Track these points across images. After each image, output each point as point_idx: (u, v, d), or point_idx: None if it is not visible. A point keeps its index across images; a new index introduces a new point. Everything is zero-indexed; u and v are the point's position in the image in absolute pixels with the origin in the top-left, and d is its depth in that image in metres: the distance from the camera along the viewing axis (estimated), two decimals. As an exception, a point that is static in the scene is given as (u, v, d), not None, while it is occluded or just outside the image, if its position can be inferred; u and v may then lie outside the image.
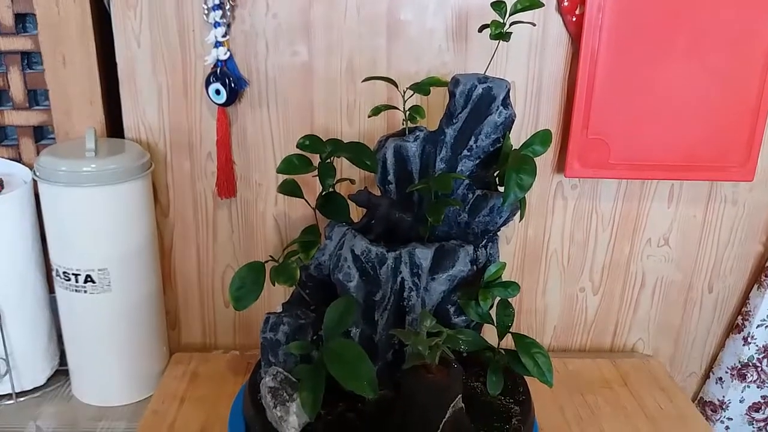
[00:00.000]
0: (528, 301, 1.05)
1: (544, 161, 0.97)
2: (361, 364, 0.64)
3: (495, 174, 0.79)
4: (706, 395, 1.10)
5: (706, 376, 1.11)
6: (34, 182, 0.85)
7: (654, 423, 0.90)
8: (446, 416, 0.65)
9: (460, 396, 0.66)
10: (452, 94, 0.76)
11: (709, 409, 1.09)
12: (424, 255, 0.73)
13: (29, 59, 0.93)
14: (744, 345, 1.04)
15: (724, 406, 1.07)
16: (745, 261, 1.05)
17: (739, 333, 1.05)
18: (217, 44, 0.88)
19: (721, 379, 1.07)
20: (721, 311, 1.08)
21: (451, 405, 0.65)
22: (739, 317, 1.05)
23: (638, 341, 1.09)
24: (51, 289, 0.92)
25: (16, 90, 0.92)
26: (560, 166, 0.96)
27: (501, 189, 0.75)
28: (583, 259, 1.03)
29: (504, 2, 0.75)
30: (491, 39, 0.75)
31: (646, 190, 0.99)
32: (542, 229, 1.01)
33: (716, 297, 1.07)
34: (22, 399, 0.92)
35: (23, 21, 0.91)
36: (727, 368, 1.06)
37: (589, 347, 1.09)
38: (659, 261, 1.04)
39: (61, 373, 0.96)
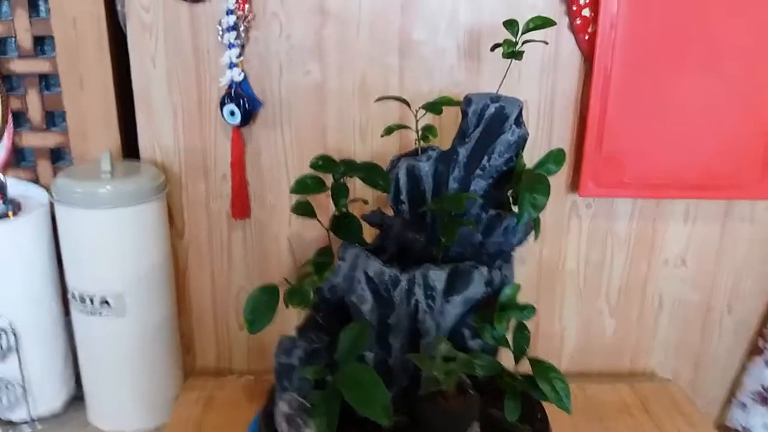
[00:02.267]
0: (544, 324, 1.04)
1: (558, 181, 0.96)
2: (375, 389, 0.63)
3: (509, 194, 0.79)
4: (729, 421, 1.07)
5: (729, 401, 1.09)
6: (51, 204, 0.86)
7: (676, 450, 0.88)
8: (462, 442, 0.64)
9: (476, 423, 0.65)
10: (465, 114, 0.76)
11: (732, 434, 1.06)
12: (438, 277, 0.73)
13: (47, 81, 0.94)
14: (767, 368, 1.01)
15: (747, 432, 1.05)
16: (765, 281, 1.03)
17: (761, 356, 1.02)
18: (232, 65, 0.89)
19: (744, 404, 1.05)
20: (741, 333, 1.06)
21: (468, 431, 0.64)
22: (761, 340, 1.03)
23: (657, 364, 1.07)
24: (67, 314, 0.92)
25: (34, 112, 0.94)
26: (574, 185, 0.96)
27: (515, 209, 0.75)
28: (599, 280, 1.02)
29: (516, 21, 0.75)
30: (504, 58, 0.75)
31: (661, 209, 0.98)
32: (557, 249, 1.00)
33: (736, 319, 1.05)
34: (39, 426, 0.92)
35: (41, 44, 0.92)
36: (750, 393, 1.04)
37: (608, 371, 1.07)
38: (676, 282, 1.02)
39: (76, 399, 0.96)
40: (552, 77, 0.92)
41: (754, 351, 1.04)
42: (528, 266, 1.00)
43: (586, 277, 1.01)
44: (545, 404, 0.75)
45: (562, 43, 0.91)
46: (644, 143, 0.91)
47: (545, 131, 0.94)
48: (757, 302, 1.04)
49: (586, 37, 0.90)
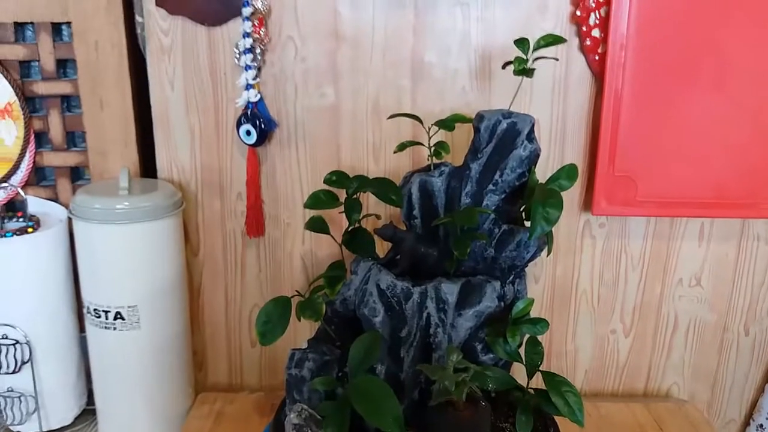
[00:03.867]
0: (558, 344, 1.03)
1: (571, 200, 0.96)
2: (386, 400, 0.63)
3: (521, 209, 0.79)
4: (747, 443, 1.05)
5: (746, 424, 1.07)
6: (69, 221, 0.88)
7: (692, 470, 0.86)
8: (474, 454, 0.63)
9: (488, 434, 0.65)
10: (477, 130, 0.77)
11: (751, 458, 1.04)
12: (450, 290, 0.73)
13: (68, 102, 0.97)
14: (785, 389, 1.00)
15: (766, 455, 1.02)
16: (782, 302, 1.02)
17: (780, 377, 1.01)
18: (248, 87, 0.91)
19: (762, 426, 1.03)
20: (759, 355, 1.04)
21: (479, 443, 0.64)
22: (779, 360, 1.02)
23: (673, 386, 1.06)
24: (82, 329, 0.94)
25: (55, 132, 0.96)
26: (587, 204, 0.96)
27: (527, 224, 0.75)
28: (613, 299, 1.01)
29: (527, 39, 0.76)
30: (514, 75, 0.76)
31: (675, 228, 0.98)
32: (571, 268, 1.00)
33: (753, 339, 1.03)
34: (49, 438, 0.93)
35: (64, 66, 0.95)
36: (768, 414, 1.02)
37: (622, 392, 1.06)
38: (692, 302, 1.01)
39: (88, 413, 0.97)
40: (563, 97, 0.93)
41: (773, 373, 1.03)
42: (541, 285, 1.00)
43: (600, 297, 1.01)
44: (558, 421, 0.74)
45: (572, 63, 0.92)
46: (656, 162, 0.92)
47: (557, 151, 0.95)
48: (774, 323, 1.03)
49: (597, 58, 0.91)
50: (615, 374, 1.05)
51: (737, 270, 1.00)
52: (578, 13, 0.89)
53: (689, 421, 0.97)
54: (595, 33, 0.90)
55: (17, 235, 0.87)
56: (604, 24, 0.89)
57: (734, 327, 1.03)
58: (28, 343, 0.87)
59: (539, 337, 0.76)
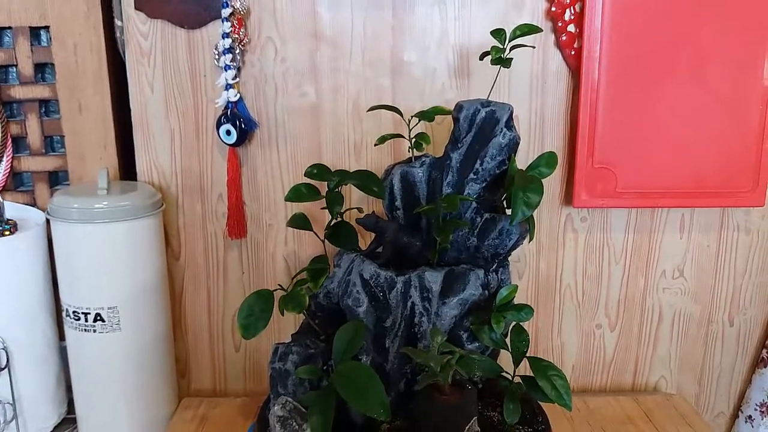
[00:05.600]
0: (543, 340, 1.03)
1: (552, 194, 0.97)
2: (372, 385, 0.62)
3: (503, 198, 0.79)
4: (736, 436, 1.05)
5: (735, 416, 1.07)
6: (47, 224, 0.86)
7: (683, 459, 0.86)
8: (462, 439, 0.62)
9: (475, 419, 0.64)
10: (456, 120, 0.77)
11: (741, 450, 1.04)
12: (434, 278, 0.73)
13: (47, 107, 0.96)
14: (771, 379, 1.00)
15: (756, 447, 1.02)
16: (764, 291, 1.02)
17: (765, 367, 1.01)
18: (228, 86, 0.91)
19: (750, 417, 1.02)
20: (744, 345, 1.05)
21: (467, 428, 0.63)
22: (764, 350, 1.02)
23: (660, 379, 1.05)
24: (61, 338, 0.92)
25: (33, 137, 0.95)
26: (568, 198, 0.96)
27: (509, 212, 0.75)
28: (597, 293, 1.01)
29: (504, 29, 0.77)
30: (492, 64, 0.77)
31: (657, 219, 0.99)
32: (554, 263, 1.00)
33: (738, 330, 1.04)
34: (27, 447, 0.90)
35: (42, 71, 0.95)
36: (756, 405, 1.02)
37: (610, 387, 1.05)
38: (675, 294, 1.02)
39: (68, 421, 0.94)
40: (541, 93, 0.94)
41: (759, 362, 1.03)
42: (525, 281, 1.00)
43: (584, 291, 1.01)
44: (546, 410, 0.74)
45: (549, 59, 0.93)
46: (635, 153, 0.92)
47: (537, 146, 0.96)
48: (758, 312, 1.03)
49: (572, 52, 0.92)
50: (602, 369, 1.04)
51: (719, 260, 1.01)
52: (553, 9, 0.90)
53: (679, 412, 0.96)
54: (571, 28, 0.91)
55: (-7, 238, 0.86)
56: (579, 19, 0.90)
57: (718, 318, 1.03)
58: (5, 348, 0.85)
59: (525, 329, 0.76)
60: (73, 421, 0.92)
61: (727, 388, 1.06)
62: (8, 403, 0.87)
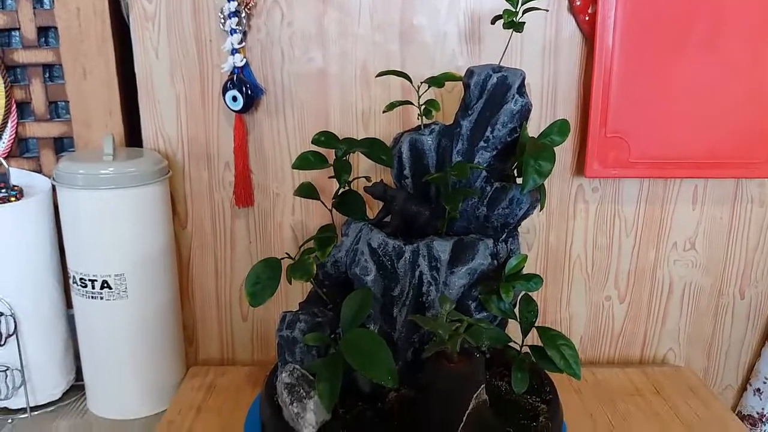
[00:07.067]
0: (552, 311, 1.02)
1: (564, 164, 0.95)
2: (380, 352, 0.62)
3: (513, 167, 0.78)
4: (744, 408, 1.04)
5: (743, 389, 1.06)
6: (53, 190, 0.86)
7: (691, 431, 0.85)
8: (469, 407, 0.62)
9: (483, 387, 0.64)
10: (467, 86, 0.76)
11: (748, 423, 1.03)
12: (443, 247, 0.72)
13: (51, 72, 0.95)
14: (781, 352, 0.99)
15: (764, 419, 1.02)
16: (777, 264, 1.01)
17: (776, 340, 1.00)
18: (234, 51, 0.89)
19: (759, 390, 1.02)
20: (755, 319, 1.04)
21: (475, 396, 0.62)
22: (775, 323, 1.01)
23: (669, 352, 1.05)
24: (69, 305, 0.92)
25: (38, 102, 0.94)
26: (580, 168, 0.95)
27: (519, 181, 0.74)
28: (607, 265, 1.00)
29: (516, -8, 0.75)
30: (504, 28, 0.75)
31: (669, 191, 0.97)
32: (564, 234, 0.99)
33: (749, 303, 1.03)
34: (36, 413, 0.90)
35: (45, 35, 0.93)
36: (766, 378, 1.01)
37: (618, 359, 1.05)
38: (686, 266, 1.01)
39: (76, 388, 0.95)
40: (554, 60, 0.92)
41: (769, 336, 1.02)
42: (534, 252, 0.99)
43: (594, 262, 1.00)
44: (554, 380, 0.74)
45: (562, 25, 0.91)
46: (649, 123, 0.91)
47: (549, 114, 0.94)
48: (769, 286, 1.02)
49: (587, 18, 0.90)
50: (610, 341, 1.04)
51: (731, 233, 0.99)
52: (568, -28, 0.88)
53: (687, 385, 0.96)
54: (585, -7, 0.89)
55: (-1, 204, 0.85)
56: (594, -17, 0.88)
57: (729, 291, 1.02)
58: (13, 315, 0.85)
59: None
60: (82, 388, 0.93)
61: (736, 361, 1.05)
62: (17, 369, 0.87)
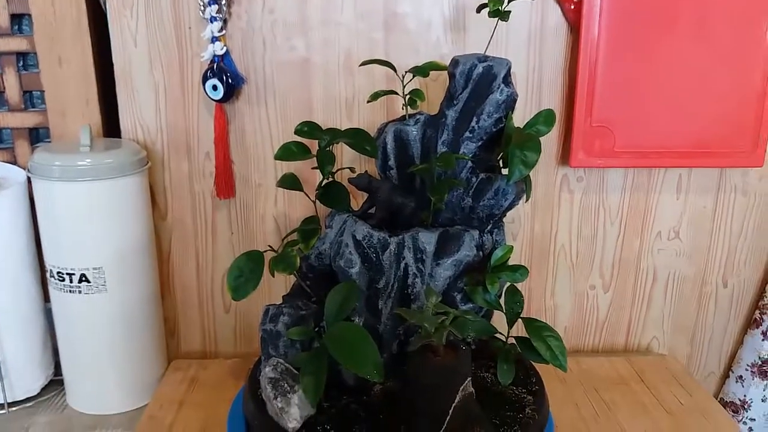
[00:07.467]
0: (537, 301, 1.02)
1: (549, 153, 0.95)
2: (364, 345, 0.61)
3: (499, 157, 0.77)
4: (726, 395, 1.05)
5: (726, 376, 1.07)
6: (29, 182, 0.84)
7: (675, 418, 0.86)
8: (456, 400, 0.61)
9: (469, 380, 0.63)
10: (452, 76, 0.75)
11: (731, 410, 1.04)
12: (428, 239, 0.71)
13: (25, 60, 0.92)
14: (764, 340, 1.00)
15: (746, 406, 1.03)
16: (759, 253, 1.02)
17: (758, 328, 1.01)
18: (214, 39, 0.87)
19: (741, 377, 1.03)
20: (737, 306, 1.04)
21: (461, 389, 0.62)
22: (757, 311, 1.02)
23: (653, 340, 1.05)
24: (47, 299, 0.90)
25: (12, 91, 0.91)
26: (565, 157, 0.94)
27: (505, 171, 0.73)
28: (591, 254, 1.00)
29: (502, -21, 0.74)
30: (489, 17, 0.74)
31: (653, 180, 0.97)
32: (549, 224, 0.99)
33: (731, 291, 1.03)
34: (14, 409, 0.89)
35: (19, 22, 0.90)
36: (747, 366, 1.02)
37: (602, 348, 1.05)
38: (670, 255, 1.01)
39: (55, 383, 0.93)
40: (539, 49, 0.91)
41: (751, 323, 1.03)
42: (519, 242, 0.99)
43: (579, 252, 1.00)
44: (540, 371, 0.73)
45: (548, 13, 0.90)
46: (634, 112, 0.90)
47: (534, 103, 0.93)
48: (752, 274, 1.03)
49: (572, 7, 0.89)
50: (595, 330, 1.04)
51: (715, 222, 1.00)
52: (553, -41, 0.87)
53: (671, 373, 0.96)
54: (570, -19, 0.88)
55: (-28, 197, 0.83)
56: (579, -29, 0.87)
57: (713, 279, 1.03)
58: (-12, 309, 0.83)
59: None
60: (61, 383, 0.91)
61: (719, 349, 1.06)
62: (-7, 364, 0.85)
